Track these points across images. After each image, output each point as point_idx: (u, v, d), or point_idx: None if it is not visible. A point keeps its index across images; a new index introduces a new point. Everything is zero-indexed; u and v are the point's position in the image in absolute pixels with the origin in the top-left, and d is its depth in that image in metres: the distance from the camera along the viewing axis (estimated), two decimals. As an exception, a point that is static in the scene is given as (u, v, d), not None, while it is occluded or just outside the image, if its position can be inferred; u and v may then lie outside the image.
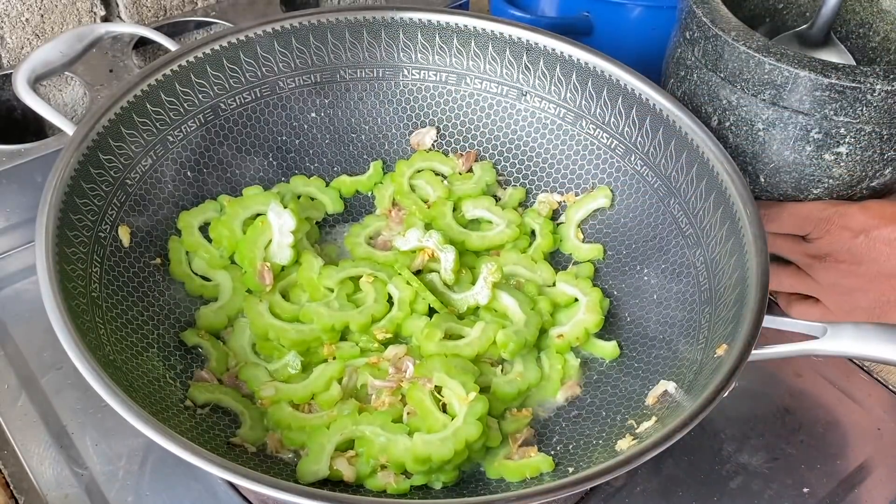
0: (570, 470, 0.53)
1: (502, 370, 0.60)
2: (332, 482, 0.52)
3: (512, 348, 0.59)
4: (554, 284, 0.65)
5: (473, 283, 0.63)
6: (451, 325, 0.61)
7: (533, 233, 0.69)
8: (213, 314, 0.61)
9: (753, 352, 0.49)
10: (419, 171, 0.71)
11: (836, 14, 0.67)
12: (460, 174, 0.72)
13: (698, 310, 0.58)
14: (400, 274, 0.63)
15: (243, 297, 0.62)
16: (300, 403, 0.56)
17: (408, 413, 0.55)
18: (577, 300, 0.64)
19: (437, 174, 0.72)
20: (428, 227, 0.67)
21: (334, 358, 0.59)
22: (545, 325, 0.62)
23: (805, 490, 0.60)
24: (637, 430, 0.52)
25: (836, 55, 0.70)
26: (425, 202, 0.69)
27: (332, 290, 0.62)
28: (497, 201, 0.71)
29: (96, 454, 0.58)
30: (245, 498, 0.57)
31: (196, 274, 0.63)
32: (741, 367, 0.49)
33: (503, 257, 0.66)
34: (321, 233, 0.70)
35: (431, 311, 0.62)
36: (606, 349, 0.62)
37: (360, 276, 0.63)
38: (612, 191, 0.68)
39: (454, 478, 0.53)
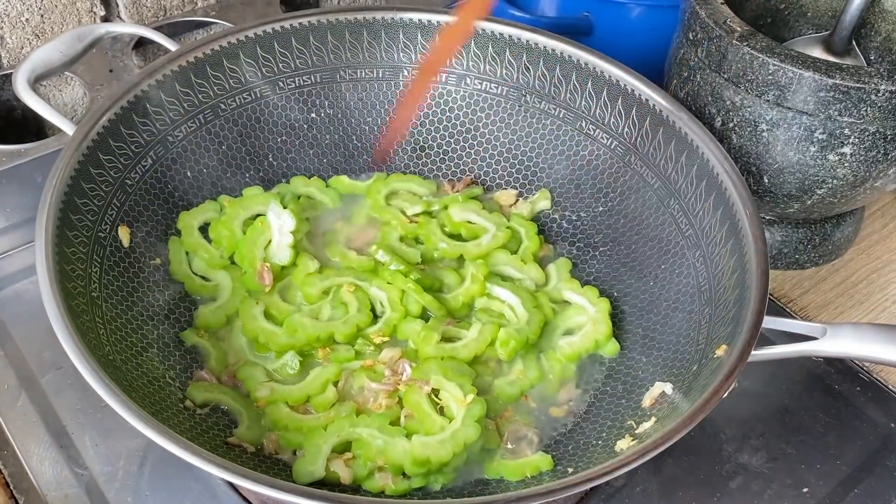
0: (570, 470, 0.53)
1: (501, 371, 0.60)
2: (328, 484, 0.52)
3: (513, 346, 0.58)
4: (545, 284, 0.65)
5: (463, 282, 0.64)
6: (447, 327, 0.60)
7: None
8: (211, 314, 0.61)
9: (753, 352, 0.49)
10: (394, 193, 0.70)
11: (859, 20, 0.66)
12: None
13: (698, 310, 0.58)
14: (390, 283, 0.62)
15: (242, 298, 0.62)
16: (296, 405, 0.56)
17: (405, 416, 0.55)
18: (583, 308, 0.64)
19: (414, 195, 0.70)
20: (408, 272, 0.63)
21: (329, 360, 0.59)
22: (546, 325, 0.62)
23: (805, 490, 0.60)
24: (636, 431, 0.52)
25: (853, 62, 0.69)
26: (404, 213, 0.68)
27: (326, 294, 0.62)
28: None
29: (96, 454, 0.58)
30: (244, 498, 0.57)
31: (196, 274, 0.63)
32: (741, 368, 0.48)
33: (493, 258, 0.66)
34: (320, 233, 0.70)
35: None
36: (606, 349, 0.62)
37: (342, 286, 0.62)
38: (550, 192, 0.69)
39: (452, 480, 0.53)
